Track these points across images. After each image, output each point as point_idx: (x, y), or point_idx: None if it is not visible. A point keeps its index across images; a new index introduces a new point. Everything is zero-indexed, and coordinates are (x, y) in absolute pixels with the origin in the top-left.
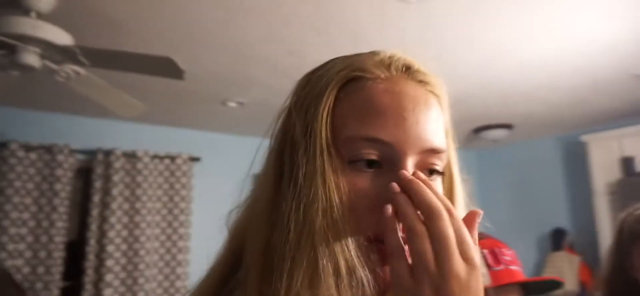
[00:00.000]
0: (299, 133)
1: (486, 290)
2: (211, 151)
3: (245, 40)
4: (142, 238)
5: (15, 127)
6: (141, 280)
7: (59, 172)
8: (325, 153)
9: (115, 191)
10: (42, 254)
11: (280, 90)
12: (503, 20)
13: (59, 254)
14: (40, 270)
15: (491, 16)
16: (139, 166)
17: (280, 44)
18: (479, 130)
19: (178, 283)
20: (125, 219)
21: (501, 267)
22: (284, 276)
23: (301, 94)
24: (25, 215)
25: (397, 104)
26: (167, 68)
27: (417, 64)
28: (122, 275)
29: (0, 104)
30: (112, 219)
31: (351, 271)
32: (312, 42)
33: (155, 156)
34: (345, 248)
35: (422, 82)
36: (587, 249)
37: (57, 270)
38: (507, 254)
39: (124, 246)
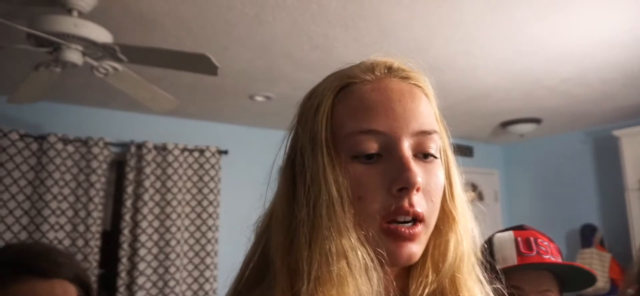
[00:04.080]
0: (305, 142)
1: (513, 270)
2: (238, 144)
3: (273, 36)
4: (173, 229)
5: (54, 121)
6: (172, 269)
7: (95, 164)
8: (326, 153)
9: (147, 183)
10: (80, 242)
11: (306, 84)
12: (532, 16)
13: (95, 243)
14: (78, 257)
15: (521, 12)
16: (170, 158)
17: (307, 39)
18: (506, 124)
19: (207, 273)
20: (156, 210)
21: (533, 253)
22: (305, 263)
23: (304, 110)
24: (64, 205)
25: (385, 98)
26: (202, 64)
27: (397, 63)
28: (154, 263)
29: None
30: (144, 210)
31: (357, 253)
32: (340, 37)
33: (185, 149)
34: (350, 235)
35: (404, 78)
36: (618, 246)
37: (94, 257)
38: (544, 245)
39: (155, 236)
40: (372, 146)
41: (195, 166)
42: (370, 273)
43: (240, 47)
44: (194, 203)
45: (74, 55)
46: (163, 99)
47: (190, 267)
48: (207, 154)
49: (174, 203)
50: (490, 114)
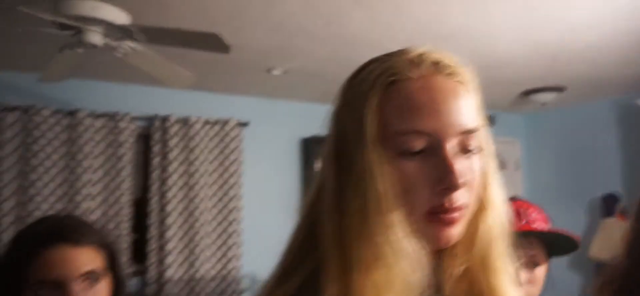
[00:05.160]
0: (350, 132)
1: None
2: (259, 116)
3: (287, 12)
4: (198, 198)
5: (83, 96)
6: (198, 236)
7: (122, 138)
8: (374, 148)
9: (172, 155)
10: (112, 211)
11: (321, 58)
12: None
13: (126, 211)
14: (111, 225)
15: None
16: (192, 131)
17: (321, 15)
18: (528, 93)
19: (231, 240)
20: (182, 181)
21: (522, 222)
22: (356, 252)
23: (347, 98)
24: (96, 176)
25: (431, 99)
26: (214, 43)
27: (444, 58)
28: (182, 231)
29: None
30: (170, 181)
31: (403, 243)
32: (353, 13)
33: (207, 122)
34: (397, 226)
35: (450, 75)
36: None
37: (125, 225)
38: (532, 214)
39: (181, 205)
40: (418, 144)
41: (217, 138)
42: (418, 262)
43: (254, 24)
44: (217, 174)
45: (94, 37)
46: (180, 75)
47: (214, 235)
48: (229, 126)
49: (198, 173)
50: (511, 83)
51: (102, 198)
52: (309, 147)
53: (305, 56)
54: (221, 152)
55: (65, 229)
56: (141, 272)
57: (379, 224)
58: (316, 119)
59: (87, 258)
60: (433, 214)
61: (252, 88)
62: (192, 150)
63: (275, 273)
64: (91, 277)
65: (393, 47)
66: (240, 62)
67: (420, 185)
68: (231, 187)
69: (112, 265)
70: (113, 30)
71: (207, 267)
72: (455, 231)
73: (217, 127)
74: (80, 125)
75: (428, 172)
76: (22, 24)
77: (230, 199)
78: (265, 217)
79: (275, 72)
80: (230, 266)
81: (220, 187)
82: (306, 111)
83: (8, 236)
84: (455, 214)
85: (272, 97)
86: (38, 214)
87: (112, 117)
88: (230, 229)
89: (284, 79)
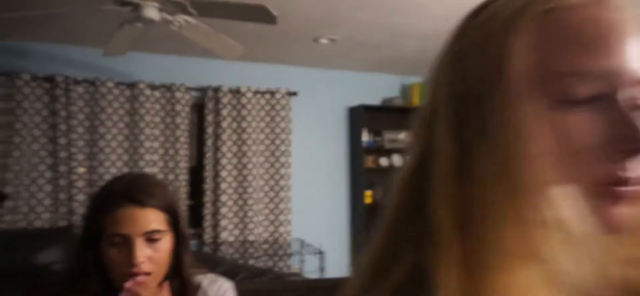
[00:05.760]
0: (482, 78)
1: None
2: (307, 85)
3: None
4: (250, 165)
5: (142, 69)
6: (250, 201)
7: (178, 107)
8: (523, 96)
9: (224, 124)
10: (171, 176)
11: (368, 26)
12: None
13: (183, 177)
14: (170, 189)
15: None
16: (244, 101)
17: None
18: None
19: (281, 205)
20: (234, 149)
21: None
22: (487, 239)
23: (474, 37)
24: (156, 144)
25: (607, 33)
26: (261, 14)
27: None
28: (235, 196)
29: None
30: (224, 149)
31: (568, 226)
32: None
33: (257, 92)
34: (559, 203)
35: (620, 9)
36: None
37: (183, 190)
38: None
39: (234, 172)
40: (585, 90)
41: (267, 107)
42: (587, 254)
43: None
44: (267, 142)
45: (151, 11)
46: (231, 46)
47: (265, 201)
48: (278, 96)
49: (250, 142)
50: None
51: (162, 164)
52: (356, 116)
53: (352, 23)
54: (271, 120)
55: (134, 192)
56: (198, 235)
57: (531, 200)
58: (363, 88)
59: (151, 218)
60: (604, 187)
61: (300, 58)
62: (243, 119)
63: (366, 265)
64: (153, 235)
65: (443, 13)
66: (287, 32)
67: (591, 145)
68: (281, 155)
69: (175, 223)
70: (168, 4)
71: (258, 231)
72: (632, 213)
73: (267, 97)
74: (140, 96)
75: (601, 128)
76: (85, 1)
77: (280, 167)
78: (313, 184)
79: (323, 41)
80: (281, 230)
81: (271, 155)
82: (353, 80)
83: (82, 196)
84: (634, 189)
85: (319, 67)
86: (108, 178)
87: (168, 88)
88: (280, 196)
89: (331, 49)
